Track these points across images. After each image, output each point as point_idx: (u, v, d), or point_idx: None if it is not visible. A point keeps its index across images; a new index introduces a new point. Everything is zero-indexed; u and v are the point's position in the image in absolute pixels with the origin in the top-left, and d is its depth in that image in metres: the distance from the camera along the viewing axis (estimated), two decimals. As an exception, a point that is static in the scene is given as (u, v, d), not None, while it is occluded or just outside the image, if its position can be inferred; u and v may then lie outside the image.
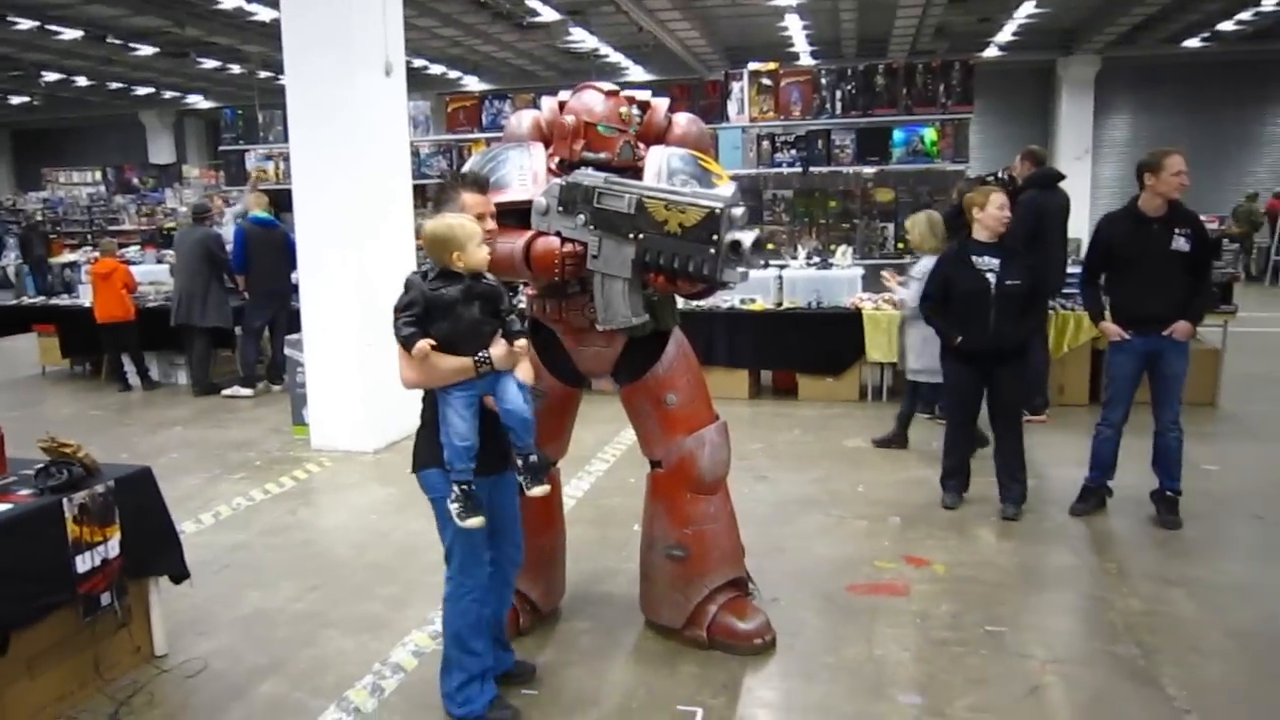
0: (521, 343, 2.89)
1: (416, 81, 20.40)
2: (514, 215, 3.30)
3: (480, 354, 2.83)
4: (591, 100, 3.37)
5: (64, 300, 10.15)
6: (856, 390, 7.74)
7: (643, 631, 3.75)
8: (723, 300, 7.95)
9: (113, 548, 3.39)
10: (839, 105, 8.87)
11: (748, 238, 2.91)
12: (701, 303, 7.84)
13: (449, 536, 3.00)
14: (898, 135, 9.00)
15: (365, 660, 3.58)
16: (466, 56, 19.45)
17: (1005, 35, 17.84)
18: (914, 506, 5.18)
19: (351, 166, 6.27)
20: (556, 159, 3.46)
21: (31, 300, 10.83)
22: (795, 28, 17.09)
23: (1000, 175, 7.71)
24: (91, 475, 3.40)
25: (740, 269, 2.97)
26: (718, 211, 2.90)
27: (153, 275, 9.98)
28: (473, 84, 20.80)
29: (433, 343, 2.79)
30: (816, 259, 8.58)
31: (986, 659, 3.49)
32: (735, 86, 9.07)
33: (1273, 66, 19.60)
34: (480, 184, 3.08)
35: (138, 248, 14.76)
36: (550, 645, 3.69)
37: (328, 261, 6.41)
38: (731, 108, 9.09)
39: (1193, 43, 18.51)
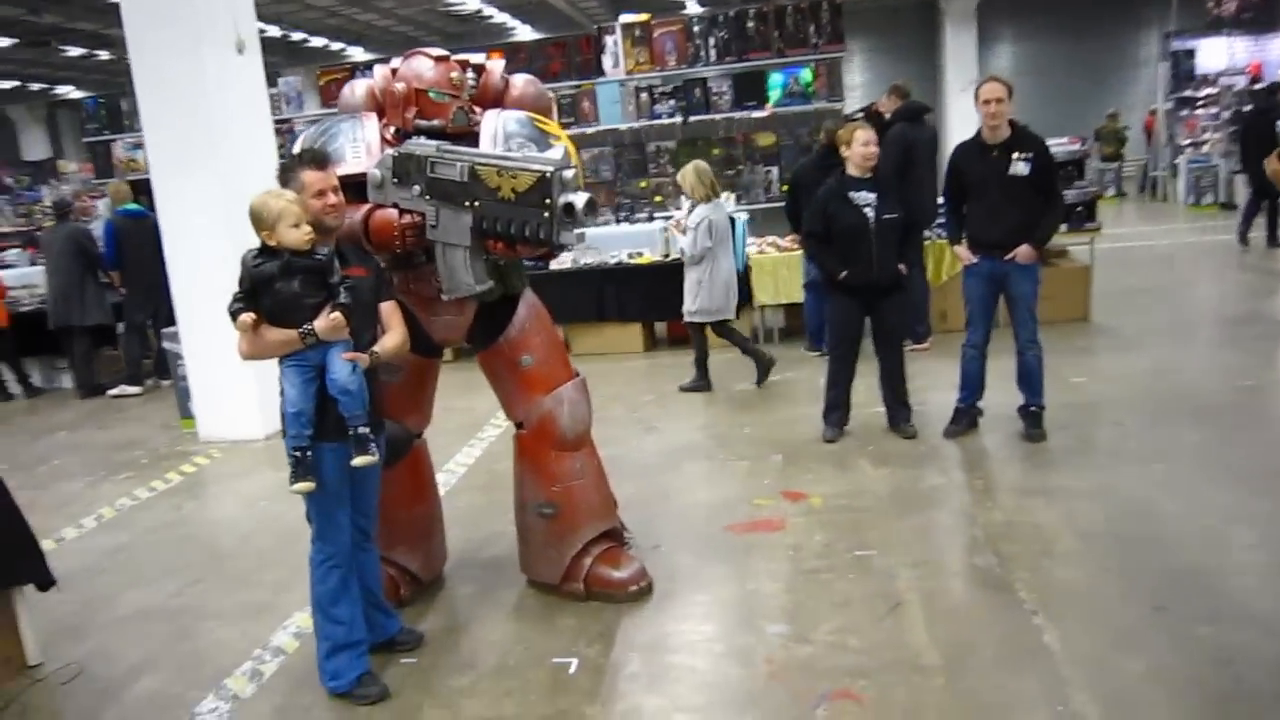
0: (337, 315, 2.89)
1: (297, 56, 19.84)
2: (353, 189, 3.27)
3: (304, 326, 2.90)
4: (421, 66, 3.33)
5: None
6: (748, 334, 7.84)
7: (523, 591, 3.81)
8: (610, 255, 7.97)
9: (-35, 561, 3.30)
10: (713, 52, 8.88)
11: (580, 199, 2.94)
12: (589, 259, 7.91)
13: (307, 503, 3.07)
14: (775, 78, 9.08)
15: (245, 647, 3.57)
16: (347, 26, 18.90)
17: (885, -30, 18.00)
18: (795, 442, 5.32)
19: (210, 151, 6.09)
20: (392, 128, 3.42)
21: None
22: (678, -25, 16.99)
23: (865, 111, 7.82)
24: (-65, 489, 3.30)
25: (576, 230, 3.00)
26: (549, 175, 2.92)
27: (27, 279, 9.57)
28: (358, 54, 20.25)
29: (253, 316, 2.89)
30: (701, 208, 8.62)
31: (853, 583, 3.63)
32: (609, 40, 9.02)
33: (1144, -11, 20.18)
34: (319, 160, 3.05)
35: (19, 249, 14.12)
36: (432, 612, 3.72)
37: (196, 250, 6.25)
38: (607, 62, 9.05)
39: (1067, -32, 18.90)
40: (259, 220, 2.90)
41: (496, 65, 3.59)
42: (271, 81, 11.62)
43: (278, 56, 19.42)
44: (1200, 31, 15.73)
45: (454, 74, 3.32)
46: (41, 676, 3.50)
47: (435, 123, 3.29)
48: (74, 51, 17.74)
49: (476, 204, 3.02)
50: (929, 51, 21.40)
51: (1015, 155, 4.75)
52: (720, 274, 6.36)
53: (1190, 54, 15.45)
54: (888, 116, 7.10)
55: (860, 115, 7.63)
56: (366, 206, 3.23)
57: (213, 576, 4.30)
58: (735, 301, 6.54)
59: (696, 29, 8.91)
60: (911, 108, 7.10)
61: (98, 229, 8.72)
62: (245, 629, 3.73)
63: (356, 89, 3.62)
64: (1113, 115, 17.73)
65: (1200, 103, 15.44)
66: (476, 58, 3.57)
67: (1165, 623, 3.18)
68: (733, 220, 6.96)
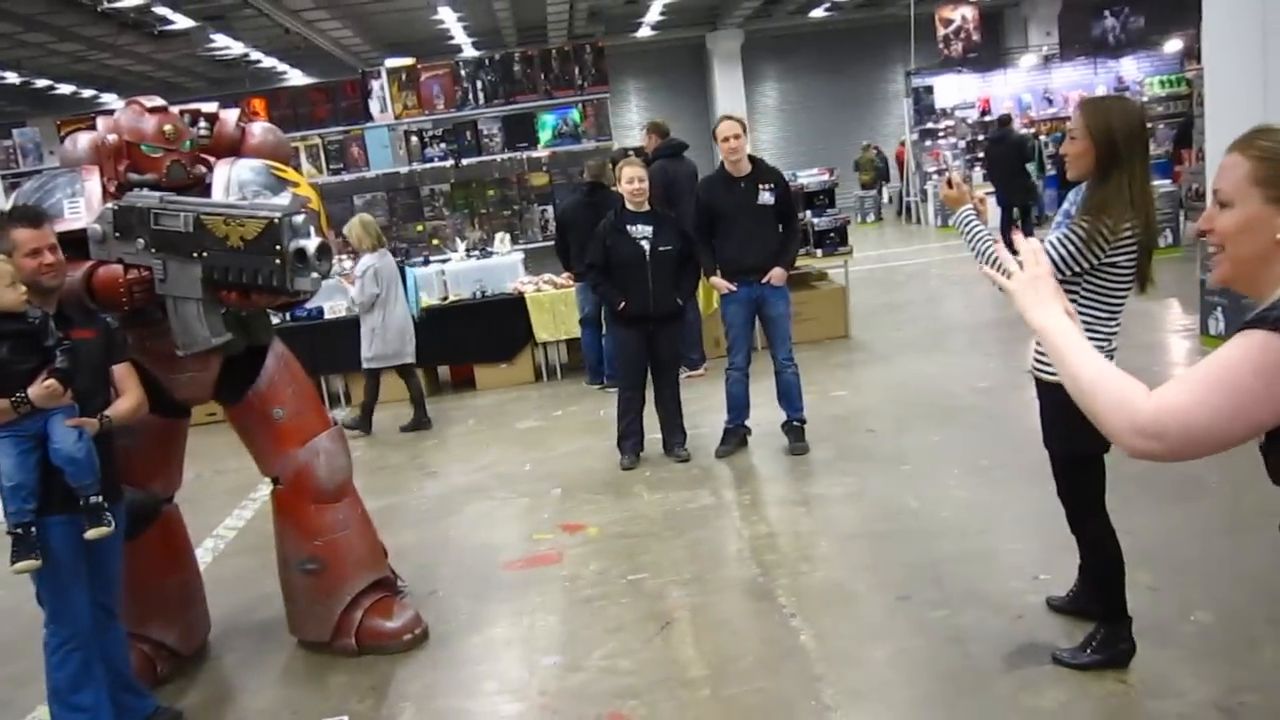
0: (51, 381, 2.72)
1: (45, 104, 18.45)
2: (75, 245, 3.09)
3: (18, 394, 2.71)
4: (131, 119, 3.21)
5: None
6: (531, 372, 7.91)
7: (293, 653, 3.67)
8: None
9: None
10: (481, 95, 8.95)
11: (312, 244, 2.89)
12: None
13: (37, 583, 2.87)
14: (546, 119, 9.24)
15: (-25, 751, 3.26)
16: (98, 72, 17.76)
17: (654, 15, 18.74)
18: (576, 474, 5.41)
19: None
20: (114, 183, 3.26)
21: None
22: (451, 20, 17.01)
23: (637, 150, 8.11)
24: None
25: (312, 275, 2.96)
26: (276, 221, 2.86)
27: None
28: (112, 100, 19.03)
29: None
30: (477, 250, 8.66)
31: (625, 607, 3.73)
32: (375, 85, 8.93)
33: (890, 29, 21.93)
34: (32, 218, 2.86)
35: None
36: (195, 686, 3.53)
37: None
38: (374, 106, 8.94)
39: (819, 13, 20.31)
40: None
41: (230, 114, 3.51)
42: (5, 133, 10.74)
43: (20, 105, 18.01)
44: (936, 69, 17.29)
45: (166, 126, 3.19)
46: None
47: (148, 177, 3.17)
48: None
49: (205, 254, 2.92)
50: (700, 90, 22.45)
51: (760, 185, 5.07)
52: (394, 320, 6.61)
53: (930, 90, 16.94)
54: (649, 154, 7.38)
55: (632, 153, 7.90)
56: (89, 264, 3.06)
57: (-61, 679, 3.88)
58: (412, 346, 6.74)
59: (464, 72, 8.97)
60: (671, 144, 7.42)
61: None
62: (-22, 729, 3.40)
63: (79, 141, 3.42)
64: (866, 146, 19.16)
65: (941, 134, 16.94)
66: (209, 106, 3.47)
67: (906, 610, 3.45)
68: (403, 269, 7.18)
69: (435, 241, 8.82)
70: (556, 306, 7.60)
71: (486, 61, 9.12)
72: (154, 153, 3.17)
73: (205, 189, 3.25)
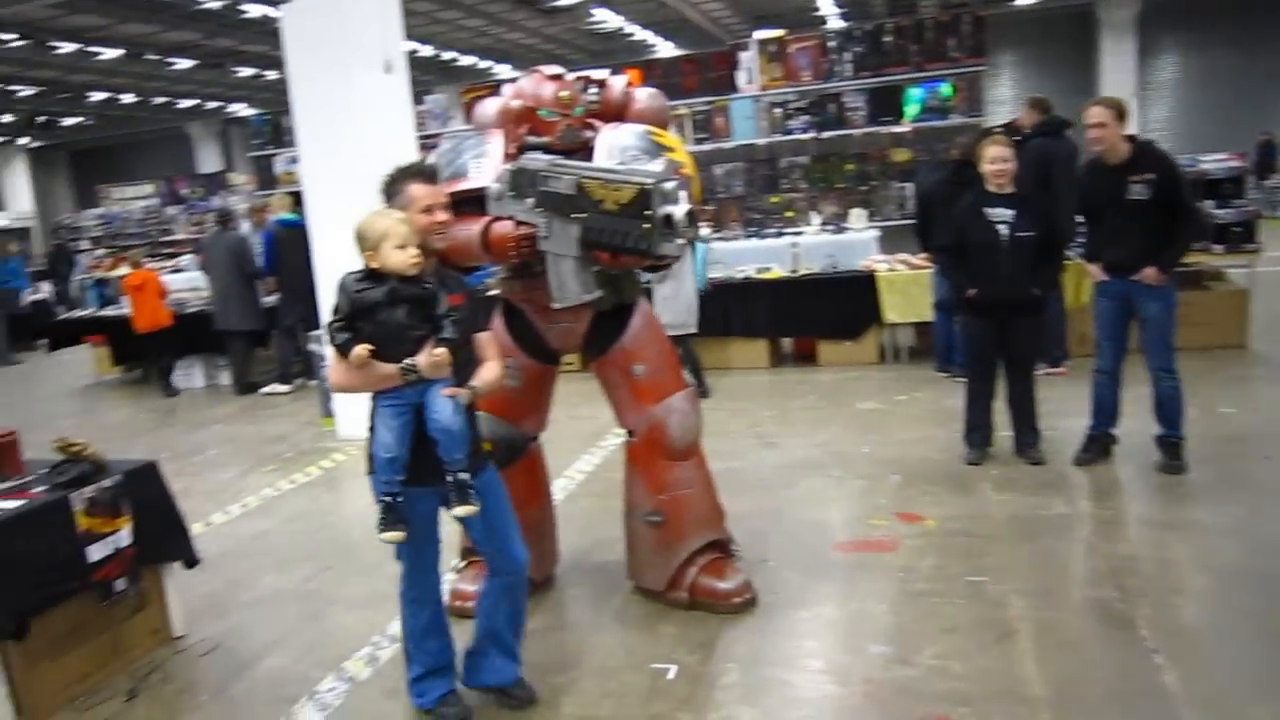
0: (442, 351, 2.70)
1: (450, 74, 20.68)
2: (478, 203, 3.43)
3: (406, 361, 2.70)
4: (532, 85, 3.47)
5: (111, 312, 10.55)
6: (876, 353, 7.73)
7: (629, 596, 3.88)
8: (738, 270, 8.00)
9: (124, 537, 3.61)
10: (849, 67, 8.79)
11: (679, 210, 2.99)
12: (715, 274, 7.95)
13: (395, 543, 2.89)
14: (914, 93, 8.91)
15: (365, 633, 3.77)
16: (494, 45, 19.61)
17: (1039, -18, 17.42)
18: (915, 463, 5.22)
19: (357, 165, 6.41)
20: (514, 145, 3.57)
21: (83, 313, 11.29)
22: (819, -10, 16.90)
23: (1006, 126, 7.58)
24: (100, 470, 3.62)
25: (677, 241, 3.06)
26: (648, 187, 2.98)
27: (194, 282, 10.34)
28: (505, 72, 20.97)
29: (368, 349, 2.68)
30: (831, 224, 8.56)
31: (961, 608, 3.55)
32: (743, 56, 9.06)
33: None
34: (427, 174, 2.94)
35: (191, 255, 15.25)
36: (540, 611, 3.83)
37: (341, 258, 6.60)
38: (741, 78, 9.08)
39: (1237, -25, 17.82)
40: (362, 239, 2.74)
41: (618, 80, 3.68)
42: (419, 100, 12.19)
43: (430, 75, 20.33)
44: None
45: (563, 93, 3.42)
46: (183, 648, 3.79)
47: (543, 140, 3.41)
48: (245, 72, 19.04)
49: (583, 216, 3.11)
50: (1084, 64, 20.53)
51: (1131, 178, 4.54)
52: (685, 291, 6.43)
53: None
54: (1027, 131, 6.87)
55: (1000, 130, 7.42)
56: (486, 218, 3.37)
57: (342, 565, 4.54)
58: (695, 317, 6.56)
59: (832, 44, 8.85)
60: (1051, 122, 6.85)
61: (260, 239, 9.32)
62: (367, 616, 3.94)
63: (488, 107, 3.76)
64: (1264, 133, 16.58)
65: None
66: (600, 73, 3.67)
67: (1302, 671, 2.98)
68: (693, 244, 7.01)
69: (789, 214, 8.84)
70: (909, 288, 7.35)
71: (856, 33, 8.92)
72: (550, 117, 3.42)
73: (590, 152, 3.46)
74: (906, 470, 5.13)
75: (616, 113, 3.62)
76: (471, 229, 3.34)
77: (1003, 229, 4.86)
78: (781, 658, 3.32)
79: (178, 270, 13.29)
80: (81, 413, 8.91)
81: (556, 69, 3.51)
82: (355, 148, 6.43)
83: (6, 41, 14.15)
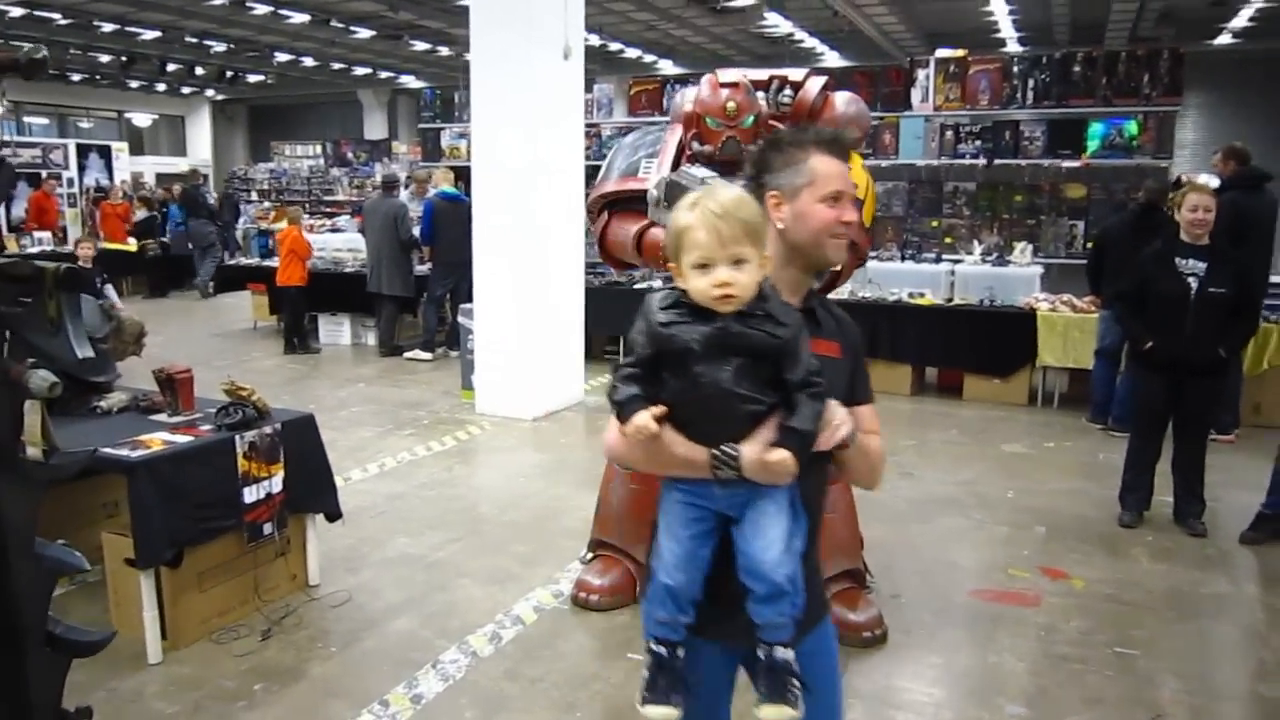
0: (786, 456, 1.56)
1: (612, 65, 20.87)
2: (632, 199, 3.42)
3: (724, 448, 1.60)
4: (707, 91, 3.38)
5: (271, 263, 11.05)
6: (1025, 394, 7.40)
7: (754, 612, 3.79)
8: (890, 292, 7.79)
9: (276, 483, 3.75)
10: (1030, 95, 8.44)
11: None
12: (867, 294, 7.77)
13: None
14: (1095, 128, 8.49)
15: (490, 609, 3.82)
16: (661, 40, 19.67)
17: (1241, 20, 16.33)
18: (1063, 517, 4.96)
19: (527, 145, 6.56)
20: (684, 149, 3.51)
21: (248, 261, 11.89)
22: (1001, 12, 16.26)
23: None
24: (262, 417, 3.77)
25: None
26: None
27: (352, 243, 10.74)
28: (667, 67, 21.04)
29: (660, 412, 1.61)
30: (993, 255, 8.23)
31: (1109, 680, 3.33)
32: (920, 74, 8.82)
33: None
34: (839, 145, 1.83)
35: (348, 217, 15.90)
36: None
37: (500, 239, 6.74)
38: (915, 95, 8.84)
39: None
40: (668, 246, 1.70)
41: (814, 83, 3.56)
42: (587, 87, 12.35)
43: (595, 64, 20.56)
44: None
45: (730, 104, 3.32)
46: (317, 596, 3.92)
47: (705, 148, 3.35)
48: (420, 46, 19.67)
49: None
50: (1278, 111, 19.22)
51: None
52: None
53: None
54: (1222, 181, 6.44)
55: (1187, 181, 6.99)
56: (644, 222, 3.34)
57: (470, 538, 4.62)
58: None
59: (1016, 69, 8.51)
60: (1249, 174, 6.40)
61: (419, 208, 9.60)
62: (491, 592, 3.98)
63: (686, 96, 3.64)
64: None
65: None
66: (795, 73, 3.54)
67: None
68: None
69: (949, 240, 8.55)
70: (1070, 331, 7.01)
71: (1043, 59, 8.55)
72: (715, 127, 3.34)
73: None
74: (1053, 523, 4.87)
75: (811, 115, 3.50)
76: (629, 230, 3.32)
77: (1192, 281, 4.56)
78: (910, 702, 3.19)
79: (335, 230, 13.89)
80: (235, 355, 9.36)
81: (732, 75, 3.41)
82: (528, 130, 6.54)
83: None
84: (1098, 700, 3.20)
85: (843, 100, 3.55)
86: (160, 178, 21.67)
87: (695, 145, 3.41)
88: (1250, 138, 17.31)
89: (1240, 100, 19.49)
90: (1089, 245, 8.43)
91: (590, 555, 4.00)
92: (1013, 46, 18.12)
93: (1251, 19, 16.19)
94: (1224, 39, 17.41)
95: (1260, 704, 3.25)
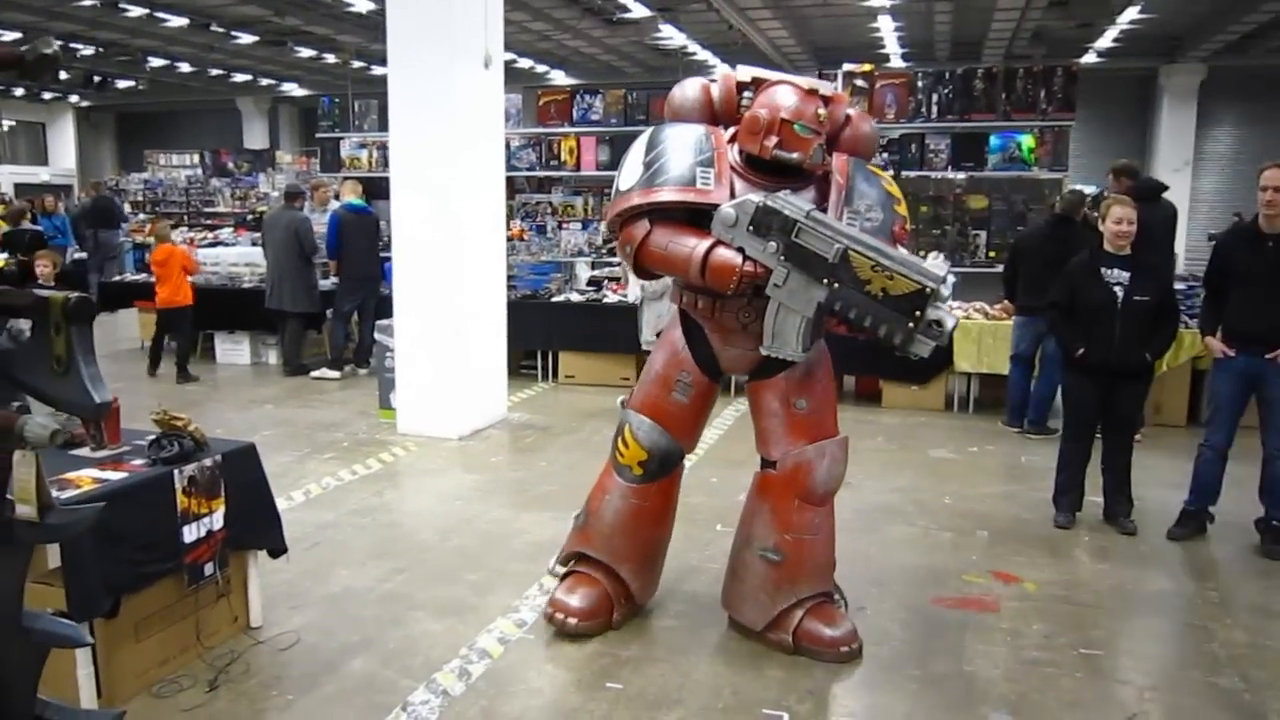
0: None
1: (506, 75, 20.67)
2: (673, 208, 3.25)
3: None
4: (789, 97, 3.21)
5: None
6: (942, 400, 7.60)
7: (726, 631, 3.73)
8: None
9: (217, 520, 3.49)
10: (935, 109, 8.69)
11: (949, 321, 2.89)
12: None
13: None
14: (994, 141, 8.79)
15: (452, 644, 3.63)
16: (555, 51, 19.58)
17: (1105, 41, 17.31)
18: (1002, 520, 5.08)
19: (448, 156, 6.36)
20: (737, 149, 3.34)
21: (134, 277, 11.21)
22: (887, 29, 16.83)
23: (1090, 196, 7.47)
24: (201, 449, 3.50)
25: (929, 342, 2.95)
26: (929, 290, 2.87)
27: (248, 257, 10.25)
28: (559, 78, 20.93)
29: None
30: (905, 265, 8.42)
31: (1081, 682, 3.40)
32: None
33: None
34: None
35: (231, 230, 15.21)
36: (635, 640, 3.68)
37: (421, 249, 6.52)
38: (823, 109, 8.96)
39: (1307, 53, 17.74)
40: None
41: (842, 97, 3.45)
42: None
43: (486, 74, 20.27)
44: None
45: (821, 110, 3.21)
46: (262, 639, 3.66)
47: (794, 156, 3.17)
48: (305, 53, 19.01)
49: (835, 286, 2.96)
50: (1140, 126, 20.47)
51: None
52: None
53: None
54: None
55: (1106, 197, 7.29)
56: (710, 240, 3.15)
57: (416, 568, 4.41)
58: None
59: (921, 84, 8.75)
60: (1147, 186, 6.73)
61: (321, 219, 9.22)
62: (451, 625, 3.80)
63: (688, 90, 3.49)
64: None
65: None
66: (826, 87, 3.37)
67: None
68: None
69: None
70: (984, 337, 7.23)
71: (946, 75, 8.82)
72: (806, 134, 3.17)
73: (824, 179, 3.31)
74: (994, 527, 4.98)
75: (833, 135, 3.40)
76: (696, 247, 3.15)
77: (1118, 290, 4.75)
78: (901, 715, 3.18)
79: (218, 243, 13.25)
80: (128, 379, 8.78)
81: (810, 82, 3.30)
82: (448, 140, 6.34)
83: (78, -1, 14.14)
84: (1075, 704, 3.25)
85: (858, 119, 3.48)
86: (19, 188, 20.34)
87: (780, 153, 3.15)
88: (1115, 148, 18.34)
89: (1103, 115, 20.65)
90: (991, 254, 8.73)
91: (562, 569, 3.84)
92: (896, 62, 18.76)
93: (1116, 40, 17.17)
94: (1089, 59, 18.40)
95: (1220, 694, 3.35)
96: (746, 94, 3.41)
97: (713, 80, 3.52)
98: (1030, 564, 4.50)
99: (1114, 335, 4.73)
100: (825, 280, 2.97)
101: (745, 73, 3.43)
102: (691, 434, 3.65)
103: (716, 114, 3.45)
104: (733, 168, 3.29)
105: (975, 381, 7.58)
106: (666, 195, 3.25)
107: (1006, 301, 7.15)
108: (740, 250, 3.10)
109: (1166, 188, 6.87)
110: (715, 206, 3.17)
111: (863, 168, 3.37)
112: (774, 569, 3.50)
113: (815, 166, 3.27)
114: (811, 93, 3.24)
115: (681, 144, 3.31)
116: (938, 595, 4.13)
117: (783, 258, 3.02)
